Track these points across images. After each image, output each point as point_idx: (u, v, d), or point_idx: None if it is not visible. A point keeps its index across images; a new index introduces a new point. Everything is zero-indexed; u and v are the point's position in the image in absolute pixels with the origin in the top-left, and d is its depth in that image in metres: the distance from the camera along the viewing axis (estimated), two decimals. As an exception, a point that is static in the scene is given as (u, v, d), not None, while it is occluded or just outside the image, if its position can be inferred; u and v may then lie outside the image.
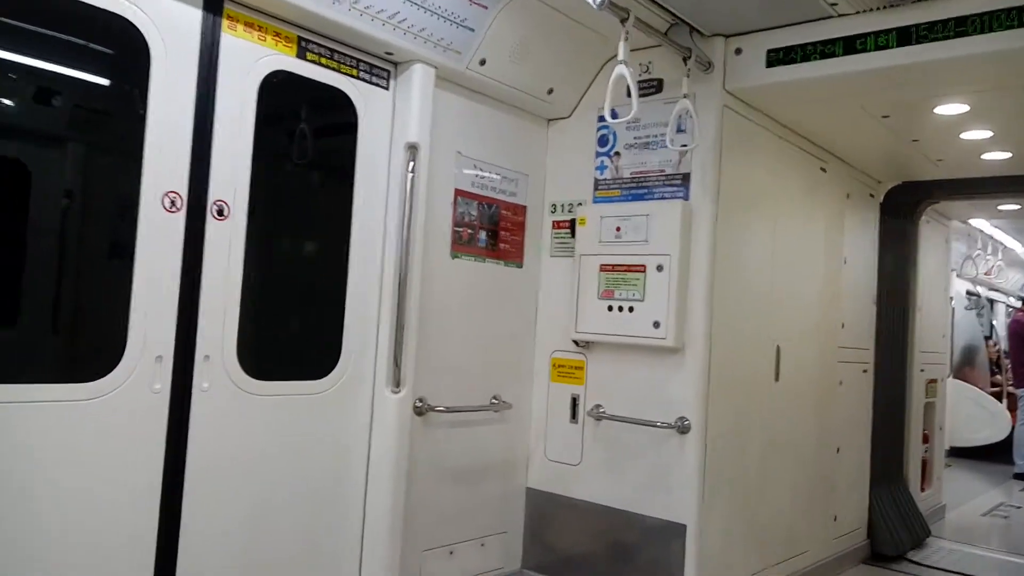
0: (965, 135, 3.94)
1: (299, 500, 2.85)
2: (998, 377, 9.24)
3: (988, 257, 8.17)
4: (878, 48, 2.97)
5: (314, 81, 2.86)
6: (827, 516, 4.35)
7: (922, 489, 5.52)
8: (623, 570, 3.40)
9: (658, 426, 3.30)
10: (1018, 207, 6.04)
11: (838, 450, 4.43)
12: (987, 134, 3.91)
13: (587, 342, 3.57)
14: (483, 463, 3.52)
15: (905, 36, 2.91)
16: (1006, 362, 9.01)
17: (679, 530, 3.24)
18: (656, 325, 3.28)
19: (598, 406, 3.51)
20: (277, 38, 2.74)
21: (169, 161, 2.45)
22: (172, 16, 2.45)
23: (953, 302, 8.05)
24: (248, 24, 2.65)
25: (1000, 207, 6.07)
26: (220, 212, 2.58)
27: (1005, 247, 8.28)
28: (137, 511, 2.41)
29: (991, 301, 10.32)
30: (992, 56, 2.81)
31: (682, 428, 3.25)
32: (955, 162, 4.49)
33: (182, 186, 2.48)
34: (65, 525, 2.27)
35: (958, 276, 8.20)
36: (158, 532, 2.45)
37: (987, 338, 9.54)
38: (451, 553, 3.38)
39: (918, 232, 5.34)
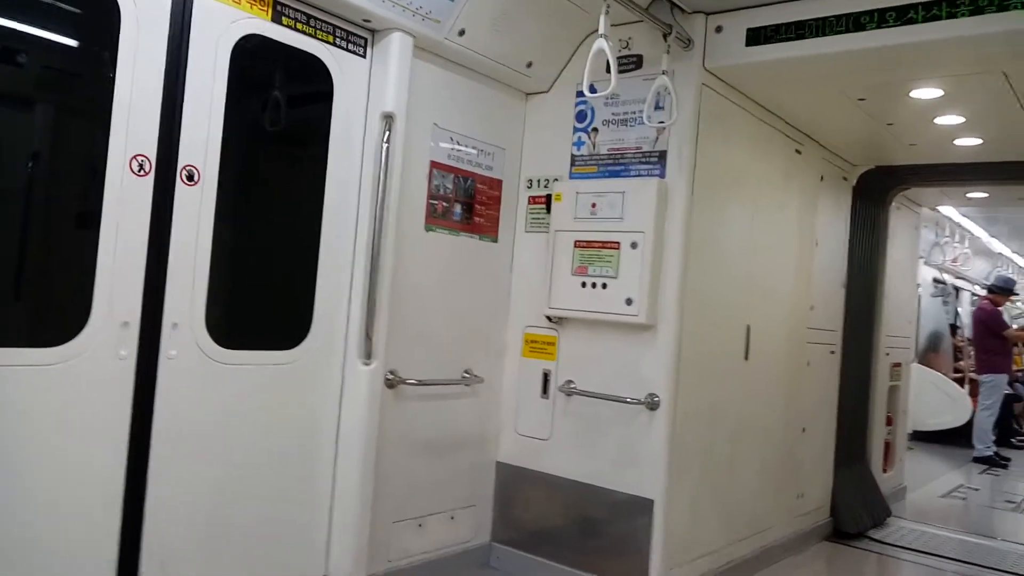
0: (939, 120, 3.98)
1: (268, 471, 2.83)
2: (961, 363, 9.44)
3: (955, 245, 8.32)
4: (857, 29, 2.98)
5: (289, 46, 2.80)
6: (792, 494, 4.42)
7: (884, 470, 5.64)
8: (591, 544, 3.44)
9: (628, 402, 3.32)
10: (986, 195, 6.14)
11: (804, 429, 4.50)
12: (960, 120, 3.96)
13: (560, 318, 3.57)
14: (454, 437, 3.53)
15: (884, 18, 2.93)
16: (969, 349, 9.20)
17: (647, 505, 3.28)
18: (629, 302, 3.29)
19: (569, 382, 3.53)
20: (252, 1, 2.68)
21: (138, 124, 2.40)
22: (143, -26, 2.38)
23: (920, 289, 8.19)
24: (221, -15, 2.59)
25: (969, 194, 6.16)
26: (190, 177, 2.53)
27: (972, 235, 8.43)
28: (102, 477, 2.38)
29: (957, 289, 10.51)
30: (969, 40, 2.83)
31: (652, 404, 3.27)
32: (928, 147, 4.53)
33: (151, 150, 2.43)
34: (29, 489, 2.23)
35: (926, 263, 8.33)
36: (124, 499, 2.43)
37: (953, 326, 9.72)
38: (420, 526, 3.39)
39: (888, 217, 5.40)
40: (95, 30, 2.39)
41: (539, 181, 3.71)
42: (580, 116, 3.60)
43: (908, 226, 6.03)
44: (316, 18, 2.87)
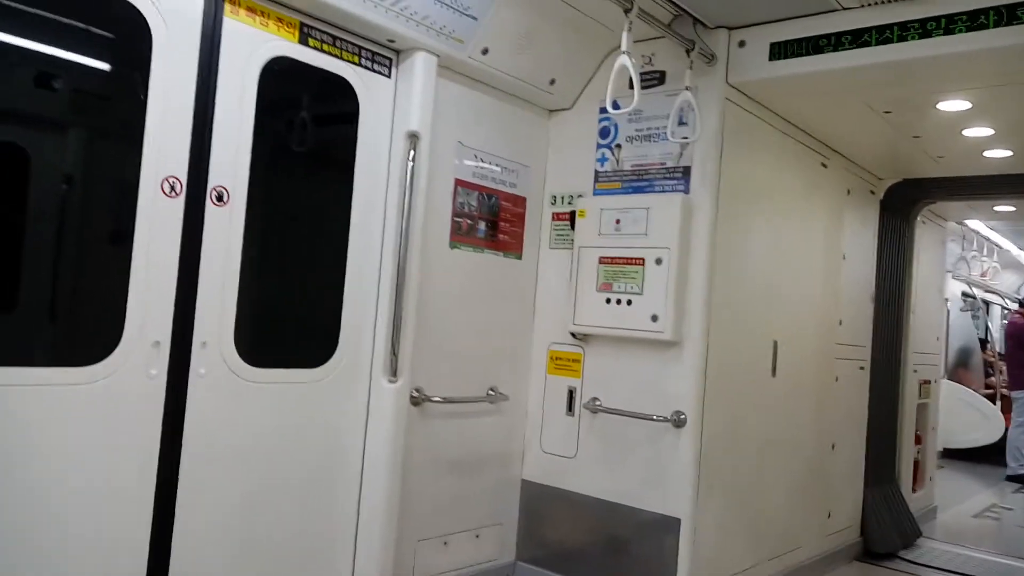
0: (967, 132, 3.94)
1: (294, 488, 2.84)
2: (992, 379, 9.27)
3: (983, 259, 8.20)
4: (882, 42, 2.96)
5: (316, 68, 2.84)
6: (821, 512, 4.36)
7: (914, 490, 5.54)
8: (617, 563, 3.40)
9: (654, 420, 3.30)
10: (1013, 208, 6.06)
11: (833, 447, 4.44)
12: (989, 132, 3.91)
13: (585, 335, 3.56)
14: (479, 454, 3.52)
15: (910, 30, 2.91)
16: (1001, 364, 9.04)
17: (673, 524, 3.24)
18: (654, 319, 3.27)
19: (594, 399, 3.51)
20: (279, 24, 2.72)
21: (169, 146, 2.43)
22: (175, 0, 2.43)
23: (948, 304, 8.07)
24: (250, 9, 2.63)
25: (996, 208, 6.09)
26: (219, 198, 2.57)
27: (1001, 249, 8.30)
28: (132, 495, 2.40)
29: (987, 303, 10.34)
30: (995, 52, 2.81)
31: (678, 422, 3.25)
32: (956, 159, 4.49)
33: (182, 171, 2.47)
34: (60, 508, 2.25)
35: (953, 278, 8.21)
36: (153, 516, 2.44)
37: (983, 341, 9.56)
38: (445, 544, 3.38)
39: (914, 231, 5.34)
40: (127, 54, 2.44)
41: (563, 198, 3.72)
42: (603, 132, 3.60)
43: (935, 240, 5.96)
44: (342, 39, 2.90)
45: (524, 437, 3.73)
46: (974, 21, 2.80)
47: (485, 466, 3.56)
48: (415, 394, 3.16)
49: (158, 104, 2.40)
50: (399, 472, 3.04)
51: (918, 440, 5.65)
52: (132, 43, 2.39)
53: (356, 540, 3.03)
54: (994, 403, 8.66)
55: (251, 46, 2.63)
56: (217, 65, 2.54)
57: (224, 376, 2.60)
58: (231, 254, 2.60)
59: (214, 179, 2.55)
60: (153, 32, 2.38)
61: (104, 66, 2.43)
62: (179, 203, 2.47)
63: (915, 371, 5.46)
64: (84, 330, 2.43)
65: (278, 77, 2.71)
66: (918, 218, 5.37)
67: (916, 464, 5.62)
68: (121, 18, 2.35)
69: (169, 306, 2.46)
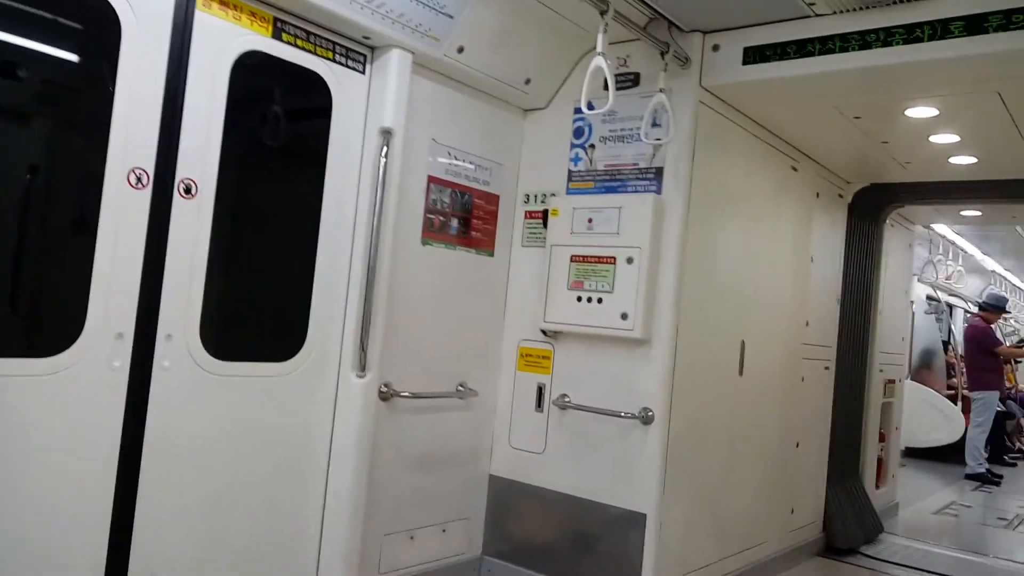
0: (934, 138, 4.01)
1: (260, 482, 2.83)
2: (953, 380, 9.46)
3: (949, 263, 8.36)
4: (854, 49, 3.01)
5: (289, 63, 2.82)
6: (785, 509, 4.43)
7: (877, 487, 5.64)
8: (583, 558, 3.44)
9: (622, 416, 3.33)
10: (979, 213, 6.18)
11: (798, 444, 4.51)
12: (955, 138, 3.98)
13: (555, 332, 3.58)
14: (447, 449, 3.53)
15: (881, 38, 2.95)
16: (962, 366, 9.23)
17: (639, 519, 3.28)
18: (624, 317, 3.30)
19: (564, 395, 3.54)
20: (252, 18, 2.69)
21: (137, 137, 2.41)
22: (145, -9, 2.40)
23: (914, 306, 8.22)
24: (223, 2, 2.60)
25: (962, 212, 6.20)
26: (187, 190, 2.54)
27: (966, 253, 8.47)
28: (92, 488, 2.38)
29: (950, 307, 10.54)
30: (963, 60, 2.86)
31: (646, 419, 3.28)
32: (923, 165, 4.56)
33: (149, 163, 2.44)
34: (17, 500, 2.23)
35: (919, 281, 8.36)
36: (112, 510, 2.42)
37: (946, 343, 9.75)
38: (412, 538, 3.39)
39: (882, 235, 5.43)
40: (96, 45, 2.40)
41: (536, 196, 3.73)
42: (577, 132, 3.62)
43: (902, 243, 6.06)
44: (316, 35, 2.88)
45: (493, 433, 3.75)
46: (943, 29, 2.84)
47: (453, 461, 3.57)
48: (384, 389, 3.16)
49: (126, 96, 2.37)
50: (366, 466, 3.04)
51: (882, 438, 5.76)
52: (101, 34, 2.36)
53: (322, 534, 3.03)
54: (955, 404, 8.85)
55: (223, 39, 2.61)
56: (188, 58, 2.51)
57: (189, 369, 2.59)
58: (198, 247, 2.58)
59: (182, 171, 2.52)
60: (123, 23, 2.35)
61: (72, 56, 2.39)
62: (146, 195, 2.44)
63: (881, 371, 5.56)
64: (45, 321, 2.41)
65: (250, 71, 2.69)
66: (887, 221, 5.46)
67: (879, 462, 5.73)
68: (90, 8, 2.32)
69: (133, 298, 2.43)
